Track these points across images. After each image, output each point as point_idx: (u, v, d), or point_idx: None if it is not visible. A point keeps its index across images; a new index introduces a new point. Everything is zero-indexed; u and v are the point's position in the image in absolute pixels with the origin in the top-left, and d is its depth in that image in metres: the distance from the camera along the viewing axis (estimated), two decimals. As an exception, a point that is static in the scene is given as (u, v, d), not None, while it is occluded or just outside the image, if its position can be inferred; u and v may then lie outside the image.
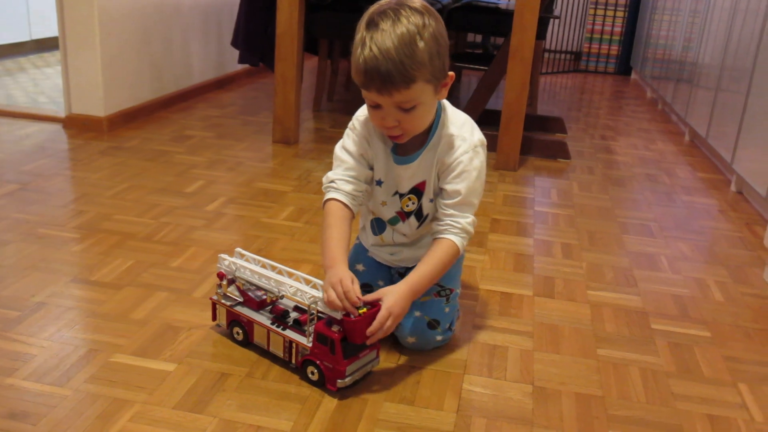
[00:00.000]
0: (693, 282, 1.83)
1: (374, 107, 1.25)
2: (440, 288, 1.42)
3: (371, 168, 1.39)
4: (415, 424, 1.20)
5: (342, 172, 1.37)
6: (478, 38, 5.25)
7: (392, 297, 1.24)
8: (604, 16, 5.44)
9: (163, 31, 3.22)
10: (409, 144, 1.34)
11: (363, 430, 1.17)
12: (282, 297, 1.36)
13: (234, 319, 1.38)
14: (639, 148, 3.18)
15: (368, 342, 1.23)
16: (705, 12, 3.29)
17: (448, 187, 1.34)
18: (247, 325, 1.36)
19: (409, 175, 1.37)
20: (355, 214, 1.38)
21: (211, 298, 1.43)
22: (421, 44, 1.19)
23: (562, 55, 5.84)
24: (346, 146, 1.38)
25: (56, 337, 1.38)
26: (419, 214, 1.40)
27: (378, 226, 1.47)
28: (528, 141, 2.86)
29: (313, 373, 1.26)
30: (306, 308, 1.32)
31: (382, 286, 1.37)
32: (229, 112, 3.33)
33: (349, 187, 1.35)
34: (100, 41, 2.76)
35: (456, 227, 1.33)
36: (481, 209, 2.23)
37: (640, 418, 1.26)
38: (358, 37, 1.22)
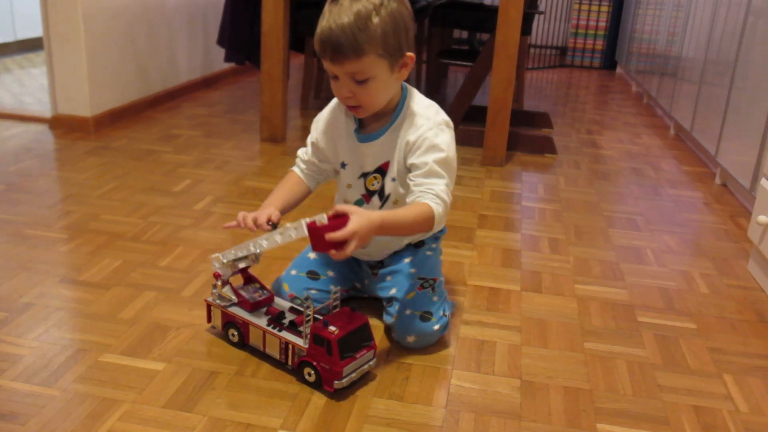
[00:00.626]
0: (679, 275, 1.84)
1: (333, 78, 1.32)
2: (422, 280, 1.43)
3: (322, 159, 1.49)
4: (404, 419, 1.20)
5: (302, 150, 1.52)
6: (464, 34, 5.26)
7: (360, 217, 1.19)
8: (589, 11, 5.46)
9: (148, 30, 3.21)
10: (373, 124, 1.40)
11: (353, 426, 1.17)
12: (258, 255, 1.36)
13: (229, 321, 1.37)
14: (625, 142, 3.19)
15: (332, 255, 1.19)
16: (688, 6, 3.31)
17: (416, 161, 1.34)
18: (243, 327, 1.35)
19: (373, 153, 1.40)
20: (310, 187, 1.51)
21: (205, 300, 1.42)
22: (375, 20, 1.25)
23: (548, 51, 5.85)
24: (310, 134, 1.51)
25: (44, 337, 1.37)
26: (381, 194, 1.43)
27: None
28: (514, 136, 2.87)
29: (309, 374, 1.26)
30: (300, 309, 1.33)
31: (331, 276, 1.50)
32: (216, 111, 3.32)
33: (302, 165, 1.51)
34: (85, 41, 2.75)
35: (429, 193, 1.31)
36: (469, 205, 2.24)
37: (627, 410, 1.27)
38: (323, 10, 1.29)
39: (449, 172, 1.35)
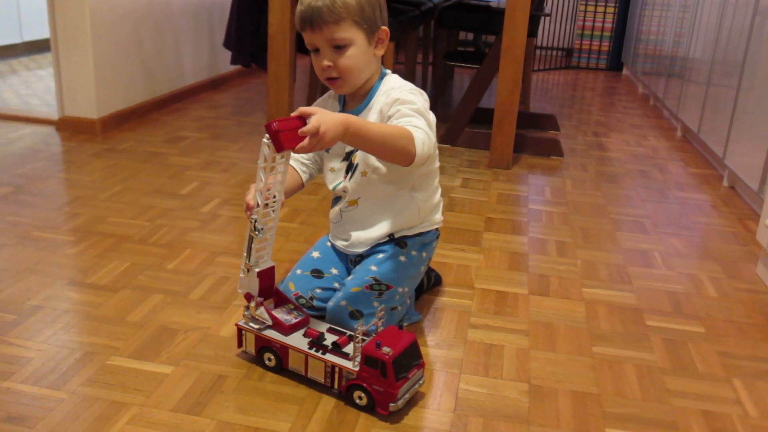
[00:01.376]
0: (686, 278, 1.83)
1: (314, 51, 1.38)
2: (375, 282, 1.41)
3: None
4: (412, 423, 1.20)
5: None
6: (470, 36, 5.26)
7: (325, 113, 1.18)
8: (595, 12, 5.45)
9: (154, 33, 3.22)
10: (353, 104, 1.46)
11: (361, 430, 1.17)
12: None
13: (264, 345, 1.31)
14: (631, 144, 3.19)
15: (296, 149, 1.16)
16: (695, 7, 3.31)
17: (390, 112, 1.36)
18: (281, 351, 1.29)
19: None
20: (302, 179, 1.53)
21: (236, 324, 1.35)
22: None
23: (554, 52, 5.85)
24: None
25: (53, 340, 1.38)
26: (350, 165, 1.47)
27: (333, 202, 1.55)
28: (521, 139, 2.87)
29: (360, 398, 1.21)
30: (341, 330, 1.31)
31: (335, 274, 1.50)
32: (222, 113, 3.32)
33: (296, 155, 1.53)
34: (91, 43, 2.76)
35: (410, 124, 1.29)
36: (476, 208, 2.24)
37: (636, 415, 1.26)
38: None
39: (425, 120, 1.33)
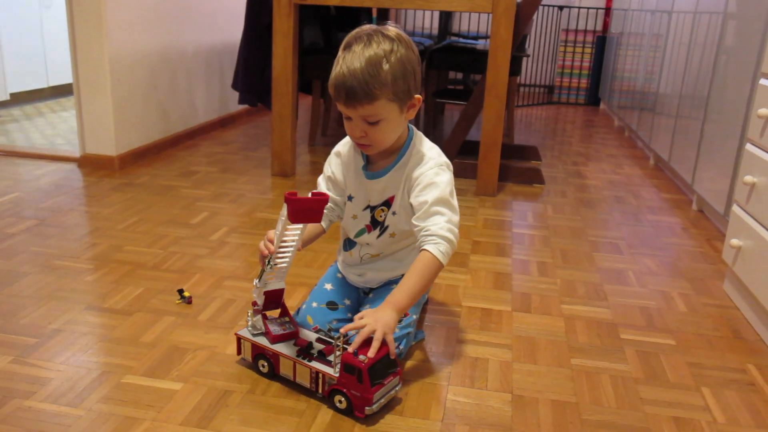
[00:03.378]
0: (658, 295, 1.84)
1: (347, 119, 1.32)
2: None
3: (340, 194, 1.48)
4: (403, 433, 1.20)
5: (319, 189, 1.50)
6: (459, 75, 5.30)
7: (373, 316, 1.24)
8: (573, 52, 5.50)
9: (169, 76, 3.25)
10: (381, 161, 1.40)
11: (356, 440, 1.17)
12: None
13: (260, 353, 1.34)
14: (608, 173, 3.20)
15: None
16: (664, 47, 3.34)
17: (416, 200, 1.35)
18: (273, 358, 1.32)
19: (380, 188, 1.41)
20: (323, 226, 1.46)
21: (236, 334, 1.38)
22: (386, 67, 1.24)
23: (537, 89, 5.89)
24: (324, 172, 1.49)
25: (71, 361, 1.38)
26: (381, 225, 1.44)
27: (348, 244, 1.53)
28: (505, 168, 2.88)
29: (340, 401, 1.23)
30: (328, 340, 1.33)
31: (348, 305, 1.48)
32: (231, 149, 3.34)
33: None
34: (111, 86, 2.78)
35: (427, 236, 1.31)
36: (463, 232, 2.24)
37: (612, 422, 1.26)
38: (337, 56, 1.28)
39: (449, 208, 1.33)
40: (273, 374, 1.33)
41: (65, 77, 4.47)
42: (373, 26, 1.31)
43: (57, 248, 1.96)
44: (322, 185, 1.49)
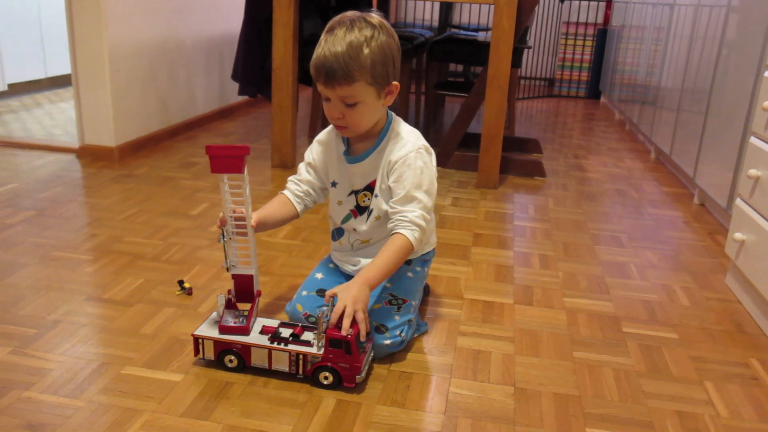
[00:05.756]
0: (660, 288, 1.83)
1: (325, 100, 1.35)
2: (392, 297, 1.44)
3: (319, 180, 1.51)
4: (405, 425, 1.19)
5: (294, 177, 1.53)
6: (460, 68, 5.29)
7: (345, 291, 1.28)
8: (574, 45, 5.48)
9: (168, 67, 3.23)
10: (359, 145, 1.44)
11: (358, 431, 1.17)
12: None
13: (225, 349, 1.31)
14: (609, 166, 3.19)
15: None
16: (666, 40, 3.33)
17: (393, 184, 1.38)
18: (243, 351, 1.30)
19: (361, 173, 1.44)
20: (297, 209, 1.50)
21: (192, 334, 1.33)
22: (366, 51, 1.28)
23: (537, 82, 5.88)
24: (305, 158, 1.53)
25: (71, 352, 1.37)
26: (366, 209, 1.46)
27: (337, 232, 1.54)
28: (507, 161, 2.87)
29: (326, 377, 1.26)
30: (292, 323, 1.35)
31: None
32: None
33: (293, 187, 1.51)
34: (109, 77, 2.77)
35: (404, 221, 1.35)
36: (465, 224, 2.24)
37: (614, 415, 1.26)
38: (320, 39, 1.32)
39: (426, 194, 1.38)
40: (243, 367, 1.32)
41: (64, 68, 4.44)
42: (357, 12, 1.33)
43: (56, 239, 1.95)
44: (302, 171, 1.52)
